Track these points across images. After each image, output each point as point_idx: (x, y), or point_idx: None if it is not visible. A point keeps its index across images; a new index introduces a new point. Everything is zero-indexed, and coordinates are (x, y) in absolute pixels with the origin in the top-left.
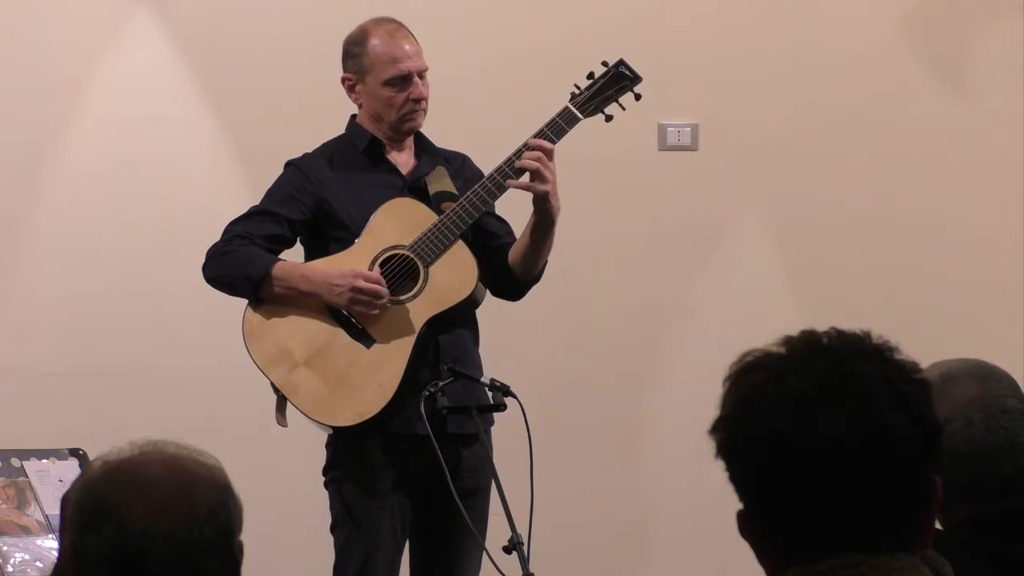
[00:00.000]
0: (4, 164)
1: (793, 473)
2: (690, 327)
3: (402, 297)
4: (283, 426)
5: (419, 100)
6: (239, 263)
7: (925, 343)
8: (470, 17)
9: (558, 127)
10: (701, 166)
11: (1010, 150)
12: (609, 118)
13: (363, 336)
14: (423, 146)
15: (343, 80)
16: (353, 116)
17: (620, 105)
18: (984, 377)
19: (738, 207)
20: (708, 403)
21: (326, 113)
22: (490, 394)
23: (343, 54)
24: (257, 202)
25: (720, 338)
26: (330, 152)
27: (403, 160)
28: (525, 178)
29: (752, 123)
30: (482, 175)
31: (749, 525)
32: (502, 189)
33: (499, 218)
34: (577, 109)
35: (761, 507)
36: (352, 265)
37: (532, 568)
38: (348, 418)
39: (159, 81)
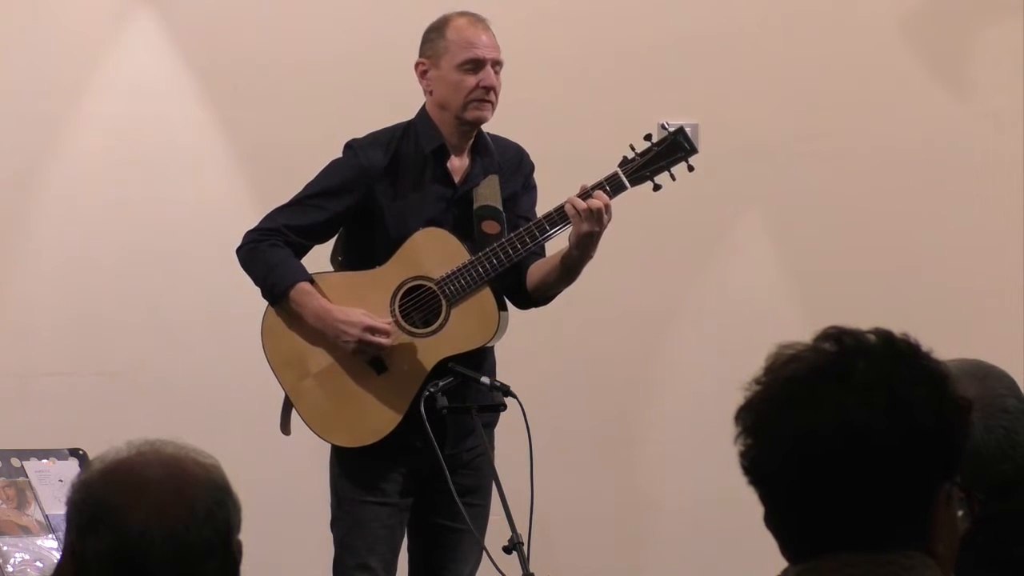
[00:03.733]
0: (4, 164)
1: (813, 468)
2: (690, 327)
3: (420, 331)
4: (286, 434)
5: (489, 89)
6: (267, 266)
7: (924, 343)
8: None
9: (603, 190)
10: (701, 166)
11: (1010, 150)
12: (657, 187)
13: (376, 362)
14: (479, 149)
15: (417, 65)
16: (423, 107)
17: (671, 175)
18: (983, 377)
19: (738, 207)
20: (708, 402)
21: (327, 113)
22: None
23: (422, 40)
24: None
25: (719, 338)
26: (396, 146)
27: (458, 164)
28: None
29: (752, 123)
30: (527, 179)
31: (769, 522)
32: (536, 240)
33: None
34: (627, 177)
35: (777, 497)
36: (377, 287)
37: (532, 568)
38: (346, 440)
39: (159, 81)
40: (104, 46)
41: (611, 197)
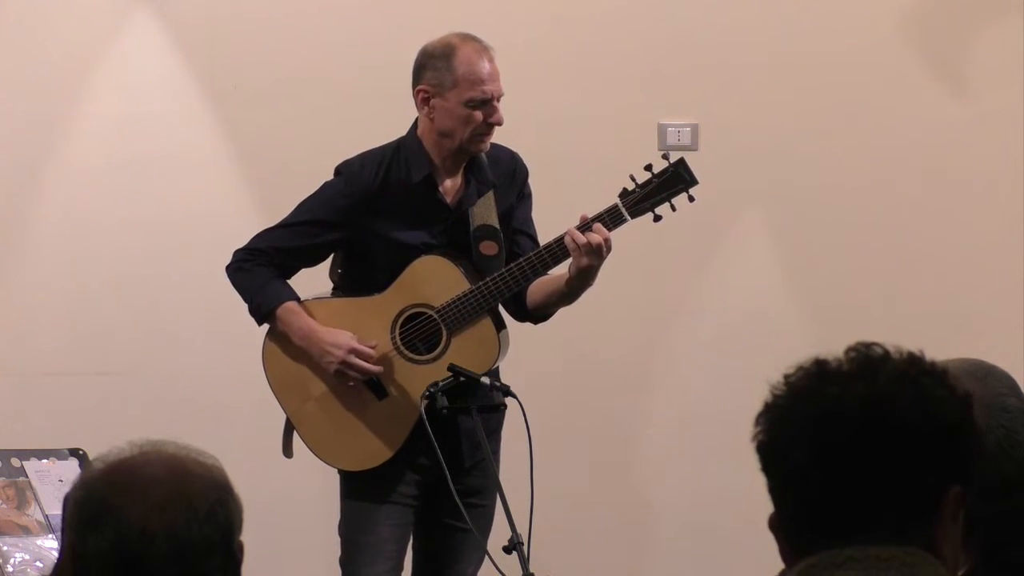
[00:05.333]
0: (4, 164)
1: (833, 451)
2: (690, 327)
3: (420, 358)
4: (288, 457)
5: (496, 125)
6: (253, 287)
7: (924, 343)
8: (465, 16)
9: (604, 223)
10: (701, 166)
11: (1010, 150)
12: (658, 218)
13: (377, 387)
14: (473, 168)
15: (418, 91)
16: (414, 126)
17: (672, 206)
18: (984, 376)
19: (738, 207)
20: (708, 402)
21: (327, 113)
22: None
23: (421, 65)
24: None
25: (720, 338)
26: (385, 171)
27: (451, 186)
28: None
29: (752, 123)
30: (523, 187)
31: (777, 518)
32: (537, 273)
33: (536, 243)
34: (627, 210)
35: (793, 484)
36: (378, 314)
37: (532, 568)
38: (348, 464)
39: (159, 80)
40: (104, 46)
41: (610, 230)
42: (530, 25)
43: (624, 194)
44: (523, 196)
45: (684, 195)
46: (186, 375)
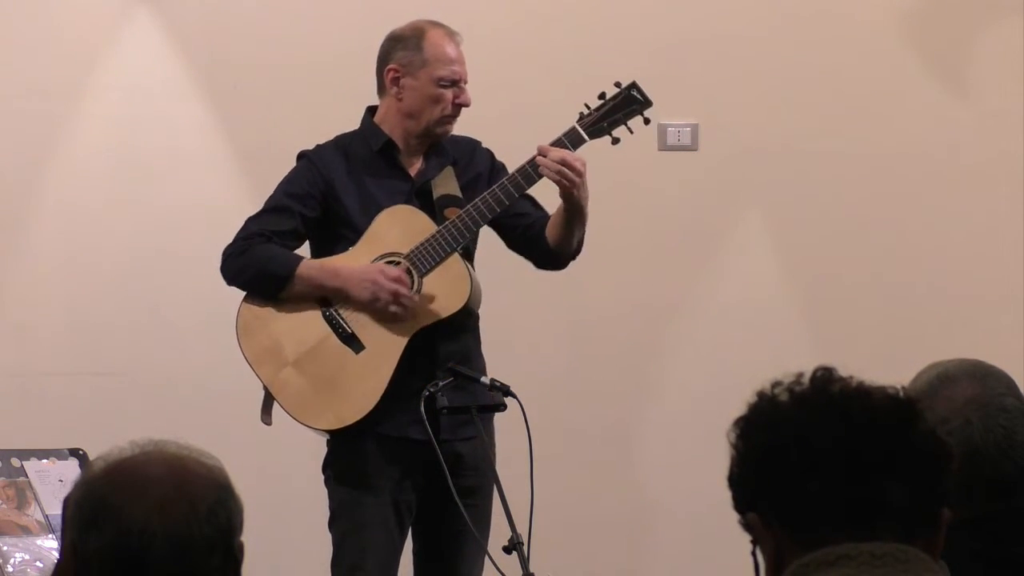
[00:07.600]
0: (4, 164)
1: (871, 438)
2: (690, 327)
3: None
4: (267, 424)
5: (463, 106)
6: (261, 260)
7: (924, 343)
8: (468, 15)
9: (562, 147)
10: (701, 166)
11: (1010, 150)
12: (616, 140)
13: (352, 341)
14: (433, 145)
15: (388, 71)
16: (369, 111)
17: (628, 128)
18: (982, 377)
19: (738, 207)
20: (708, 402)
21: (325, 112)
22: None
23: (391, 45)
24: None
25: (719, 338)
26: (344, 148)
27: (412, 161)
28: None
29: (752, 123)
30: (493, 161)
31: (763, 520)
32: (502, 205)
33: (527, 196)
34: (584, 130)
35: (781, 499)
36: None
37: (532, 568)
38: (329, 422)
39: (159, 81)
40: (104, 46)
41: (572, 150)
42: (529, 25)
43: (580, 118)
44: (496, 169)
45: (640, 117)
46: (186, 375)
